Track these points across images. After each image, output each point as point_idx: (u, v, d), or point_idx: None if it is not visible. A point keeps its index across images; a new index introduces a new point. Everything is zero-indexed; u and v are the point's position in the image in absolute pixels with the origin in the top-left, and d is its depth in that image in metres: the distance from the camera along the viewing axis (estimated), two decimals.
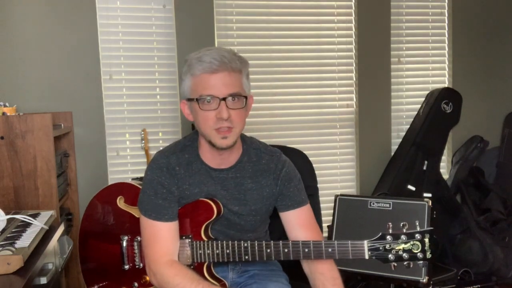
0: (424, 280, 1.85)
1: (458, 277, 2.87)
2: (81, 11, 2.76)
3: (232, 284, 1.64)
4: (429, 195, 2.98)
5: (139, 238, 1.63)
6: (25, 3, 2.69)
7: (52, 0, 2.72)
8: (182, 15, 2.89)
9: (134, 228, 1.64)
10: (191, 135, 1.63)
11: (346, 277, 2.50)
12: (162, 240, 1.52)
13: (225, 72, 1.44)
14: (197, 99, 1.45)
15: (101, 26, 2.81)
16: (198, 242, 1.53)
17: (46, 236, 1.60)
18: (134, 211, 1.66)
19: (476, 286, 2.89)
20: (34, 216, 1.72)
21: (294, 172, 1.64)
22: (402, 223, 1.37)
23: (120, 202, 1.69)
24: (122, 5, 2.86)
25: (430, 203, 1.95)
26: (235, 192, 1.58)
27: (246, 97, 1.49)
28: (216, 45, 2.94)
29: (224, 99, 1.43)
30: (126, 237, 1.67)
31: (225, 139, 1.47)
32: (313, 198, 1.98)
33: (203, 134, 1.51)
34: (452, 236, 3.06)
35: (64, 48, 2.76)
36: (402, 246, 1.35)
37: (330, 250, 1.42)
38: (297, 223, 1.61)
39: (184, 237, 1.55)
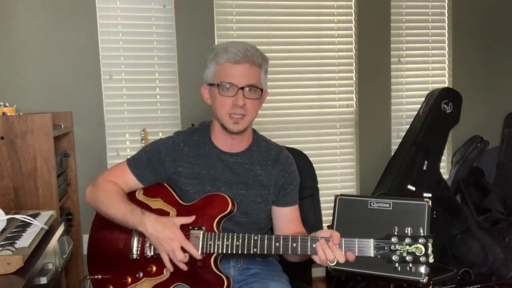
0: (424, 280, 1.85)
1: (458, 277, 2.87)
2: (81, 11, 2.76)
3: (233, 282, 1.64)
4: (429, 195, 2.97)
5: None
6: (25, 3, 2.69)
7: (52, 0, 2.73)
8: (182, 15, 2.90)
9: None
10: (203, 123, 1.74)
11: (346, 277, 2.50)
12: (119, 176, 1.67)
13: (246, 64, 1.57)
14: (217, 85, 1.58)
15: (101, 26, 2.81)
16: (209, 233, 1.55)
17: (46, 236, 1.60)
18: (152, 203, 1.68)
19: (476, 286, 2.89)
20: (34, 216, 1.72)
21: (297, 173, 1.76)
22: (407, 228, 1.41)
23: (139, 194, 1.71)
24: (122, 5, 2.87)
25: (430, 203, 1.94)
26: (243, 177, 1.66)
27: (262, 90, 1.63)
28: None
29: (242, 88, 1.57)
30: None
31: (236, 125, 1.59)
32: (313, 198, 1.98)
33: (217, 117, 1.63)
34: (452, 236, 3.06)
35: (64, 48, 2.76)
36: (407, 248, 1.38)
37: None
38: (290, 219, 1.72)
39: (196, 228, 1.57)
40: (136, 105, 2.92)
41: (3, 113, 2.20)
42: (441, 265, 2.91)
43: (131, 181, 1.67)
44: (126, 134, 2.92)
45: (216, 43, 2.96)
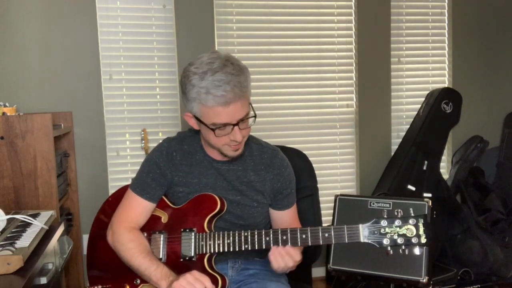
0: (424, 280, 1.85)
1: (458, 277, 2.87)
2: (81, 11, 2.76)
3: (232, 282, 1.64)
4: (429, 195, 2.97)
5: (145, 234, 1.64)
6: (25, 3, 2.69)
7: (52, 0, 2.73)
8: (182, 15, 2.90)
9: (146, 225, 1.65)
10: (192, 129, 1.68)
11: (346, 277, 2.50)
12: (134, 210, 1.63)
13: (237, 102, 1.46)
14: (212, 129, 1.49)
15: (101, 26, 2.81)
16: (200, 234, 1.56)
17: (46, 236, 1.60)
18: None
19: (476, 286, 2.89)
20: (34, 216, 1.72)
21: (293, 174, 1.73)
22: (396, 210, 1.39)
23: None
24: (122, 5, 2.87)
25: (430, 203, 1.94)
26: (237, 184, 1.64)
27: (254, 116, 1.53)
28: (216, 46, 2.95)
29: (237, 124, 1.49)
30: None
31: (236, 151, 1.58)
32: (313, 198, 1.98)
33: (211, 145, 1.58)
34: (452, 236, 3.06)
35: (64, 48, 2.76)
36: (397, 230, 1.36)
37: (326, 235, 1.45)
38: (289, 220, 1.72)
39: (188, 230, 1.57)
40: (136, 105, 2.92)
41: (3, 113, 2.20)
42: (441, 265, 2.91)
43: (147, 207, 1.64)
44: (126, 134, 2.92)
45: (216, 43, 2.95)
